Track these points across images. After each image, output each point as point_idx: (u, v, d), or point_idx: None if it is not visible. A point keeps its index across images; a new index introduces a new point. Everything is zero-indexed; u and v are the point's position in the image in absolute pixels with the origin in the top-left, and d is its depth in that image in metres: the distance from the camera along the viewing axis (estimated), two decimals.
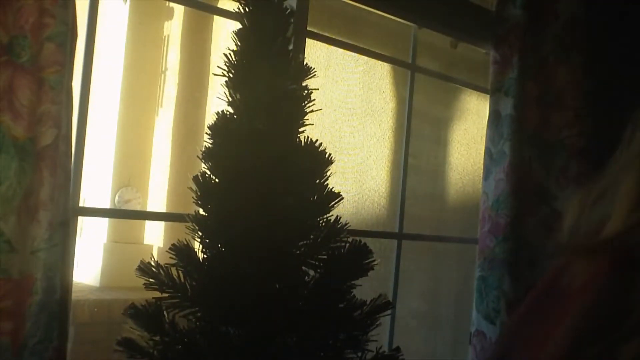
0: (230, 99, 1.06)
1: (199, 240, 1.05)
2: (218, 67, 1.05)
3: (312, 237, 1.05)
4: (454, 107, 4.00)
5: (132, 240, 4.16)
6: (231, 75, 1.05)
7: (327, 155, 1.07)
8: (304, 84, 1.08)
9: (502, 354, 0.51)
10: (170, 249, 1.04)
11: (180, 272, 1.03)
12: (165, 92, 4.38)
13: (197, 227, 1.05)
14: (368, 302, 1.10)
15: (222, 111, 1.06)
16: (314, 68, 1.08)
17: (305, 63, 1.08)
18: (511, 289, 2.11)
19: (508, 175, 2.18)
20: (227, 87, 1.06)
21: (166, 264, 1.04)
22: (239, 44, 1.06)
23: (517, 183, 2.17)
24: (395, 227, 2.34)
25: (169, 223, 4.15)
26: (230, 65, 1.05)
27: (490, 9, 2.34)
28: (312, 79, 1.09)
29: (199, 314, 1.02)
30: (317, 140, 1.08)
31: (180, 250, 1.03)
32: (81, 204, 1.48)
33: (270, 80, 1.05)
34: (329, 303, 1.06)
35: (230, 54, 1.05)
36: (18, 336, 1.20)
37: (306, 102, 1.08)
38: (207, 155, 1.04)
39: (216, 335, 1.02)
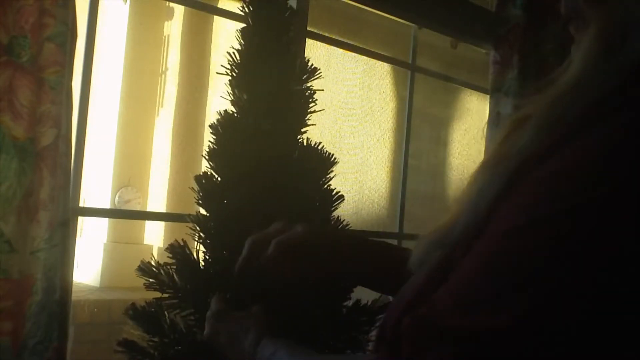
0: (234, 98, 1.06)
1: (199, 241, 1.05)
2: (222, 66, 1.05)
3: None
4: (454, 107, 4.00)
5: (132, 241, 4.15)
6: (234, 74, 1.05)
7: (330, 156, 1.07)
8: (309, 85, 1.08)
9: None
10: (167, 249, 1.03)
11: (173, 272, 1.02)
12: (165, 92, 4.38)
13: (197, 228, 1.04)
14: (369, 303, 1.10)
15: (226, 110, 1.06)
16: (319, 69, 1.08)
17: (311, 64, 1.08)
18: None
19: None
20: (230, 86, 1.06)
21: (165, 263, 1.04)
22: (243, 42, 1.06)
23: None
24: (395, 227, 2.34)
25: (169, 223, 4.15)
26: (234, 64, 1.05)
27: (490, 9, 2.34)
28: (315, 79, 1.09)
29: (198, 315, 1.02)
30: (320, 142, 1.07)
31: (176, 251, 1.03)
32: (81, 204, 1.48)
33: (274, 80, 1.05)
34: (330, 303, 1.06)
35: (234, 52, 1.05)
36: (18, 336, 1.20)
37: (310, 102, 1.08)
38: (210, 155, 1.04)
39: None
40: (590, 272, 0.43)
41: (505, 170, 0.51)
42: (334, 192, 1.08)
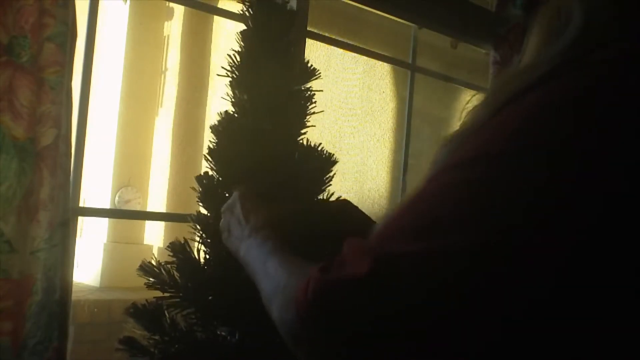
0: (235, 99, 1.06)
1: (200, 240, 1.05)
2: (222, 67, 1.05)
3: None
4: (454, 107, 4.00)
5: (132, 240, 4.15)
6: (235, 75, 1.06)
7: (331, 156, 1.08)
8: (308, 85, 1.08)
9: None
10: (167, 247, 1.04)
11: (174, 270, 1.03)
12: (165, 92, 4.38)
13: (198, 227, 1.05)
14: None
15: (226, 111, 1.06)
16: (318, 70, 1.08)
17: (311, 65, 1.08)
18: None
19: None
20: (231, 87, 1.06)
21: (166, 262, 1.04)
22: (243, 44, 1.06)
23: None
24: None
25: (169, 223, 4.15)
26: (234, 65, 1.05)
27: (490, 9, 2.35)
28: (315, 79, 1.09)
29: (199, 314, 1.02)
30: (320, 143, 1.08)
31: (177, 249, 1.03)
32: (81, 204, 1.48)
33: (275, 81, 1.05)
34: None
35: (234, 54, 1.06)
36: (18, 336, 1.20)
37: (309, 103, 1.08)
38: (211, 155, 1.04)
39: (216, 335, 1.02)
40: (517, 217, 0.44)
41: (456, 141, 0.54)
42: (334, 192, 1.09)
